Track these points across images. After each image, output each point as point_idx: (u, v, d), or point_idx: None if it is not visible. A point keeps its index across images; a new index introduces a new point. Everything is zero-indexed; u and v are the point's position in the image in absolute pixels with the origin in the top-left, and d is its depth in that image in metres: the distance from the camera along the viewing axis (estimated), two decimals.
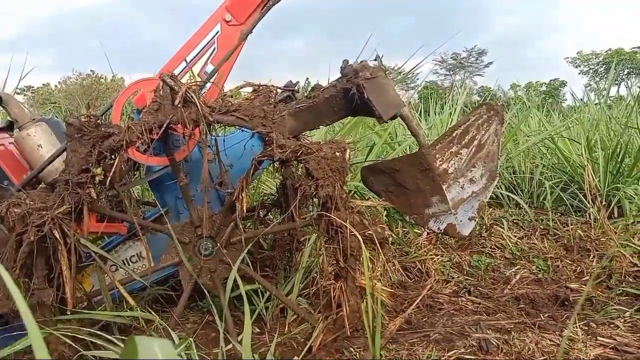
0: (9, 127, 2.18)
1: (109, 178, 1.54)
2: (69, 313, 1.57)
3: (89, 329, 1.58)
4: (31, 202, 1.41)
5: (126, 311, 1.77)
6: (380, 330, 1.35)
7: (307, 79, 2.16)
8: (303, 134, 1.89)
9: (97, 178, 1.58)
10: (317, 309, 2.23)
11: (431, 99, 4.91)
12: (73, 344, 1.49)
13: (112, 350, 1.44)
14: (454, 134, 1.86)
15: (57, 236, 1.44)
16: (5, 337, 1.68)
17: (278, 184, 2.47)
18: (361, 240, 1.40)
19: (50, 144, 1.95)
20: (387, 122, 1.69)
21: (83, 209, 1.52)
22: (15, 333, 1.52)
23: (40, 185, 2.04)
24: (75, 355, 1.52)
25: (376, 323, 1.33)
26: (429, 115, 4.90)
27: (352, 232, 1.41)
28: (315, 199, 2.22)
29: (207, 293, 2.43)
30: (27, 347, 1.78)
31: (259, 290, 2.22)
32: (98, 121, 1.44)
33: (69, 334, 1.50)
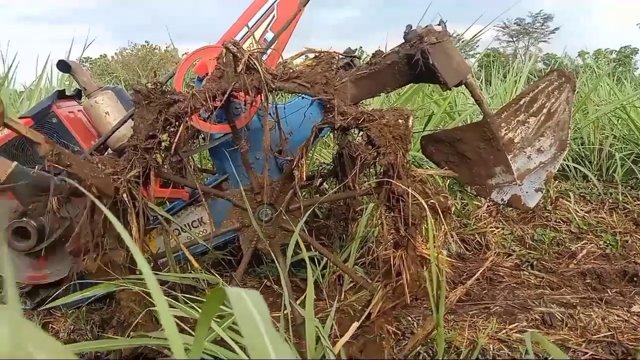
0: (77, 95, 2.27)
1: (174, 144, 1.57)
2: (138, 273, 1.64)
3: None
4: (103, 167, 1.47)
5: (190, 273, 1.83)
6: (443, 299, 1.33)
7: (360, 47, 2.12)
8: (361, 102, 1.86)
9: (162, 144, 1.62)
10: (374, 277, 2.24)
11: (493, 66, 4.71)
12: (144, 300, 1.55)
13: (177, 309, 1.50)
14: (521, 102, 1.78)
15: (127, 199, 1.50)
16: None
17: (334, 153, 2.46)
18: (427, 208, 1.37)
19: (117, 111, 2.01)
20: (450, 90, 1.63)
21: (150, 174, 1.56)
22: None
23: (108, 151, 2.12)
24: (144, 311, 1.60)
25: (440, 291, 1.31)
26: (490, 84, 4.72)
27: (415, 200, 1.39)
28: (372, 168, 2.21)
29: (264, 259, 2.50)
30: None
31: (315, 258, 2.25)
32: (163, 88, 1.46)
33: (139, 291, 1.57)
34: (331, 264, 2.25)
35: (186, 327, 1.36)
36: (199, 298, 1.50)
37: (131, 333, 1.56)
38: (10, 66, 4.45)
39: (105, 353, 1.65)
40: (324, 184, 2.53)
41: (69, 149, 1.97)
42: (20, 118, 2.03)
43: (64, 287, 2.00)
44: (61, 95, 2.10)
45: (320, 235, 2.48)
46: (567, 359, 0.76)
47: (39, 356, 0.31)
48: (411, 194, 1.41)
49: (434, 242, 1.49)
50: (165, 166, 1.86)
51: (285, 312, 1.86)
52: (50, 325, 2.06)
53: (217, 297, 0.57)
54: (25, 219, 1.93)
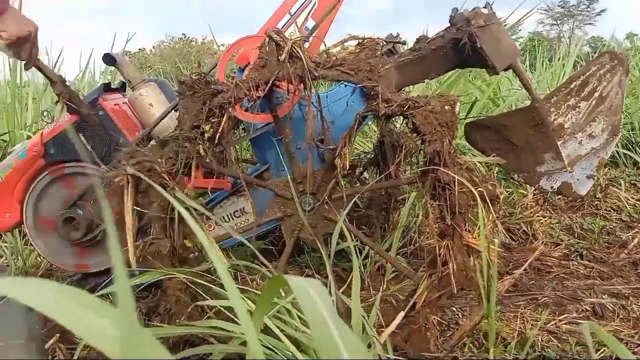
0: (122, 87, 2.32)
1: (217, 135, 1.58)
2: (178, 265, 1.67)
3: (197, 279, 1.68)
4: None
5: (232, 260, 1.85)
6: (495, 289, 1.30)
7: (398, 34, 2.07)
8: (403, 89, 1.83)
9: (205, 135, 1.63)
10: (417, 266, 2.21)
11: (538, 51, 4.55)
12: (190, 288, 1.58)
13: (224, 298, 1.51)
14: (571, 86, 1.71)
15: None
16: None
17: (375, 141, 2.43)
18: (478, 196, 1.33)
19: (160, 103, 2.05)
20: (498, 74, 1.58)
21: (192, 164, 1.58)
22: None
23: (151, 142, 2.16)
24: (190, 299, 1.63)
25: (492, 280, 1.28)
26: (534, 68, 4.57)
27: (463, 188, 1.35)
28: (415, 157, 2.17)
29: (305, 248, 2.50)
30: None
31: (357, 248, 2.23)
32: (208, 79, 1.47)
33: (185, 279, 1.59)
34: (372, 254, 2.24)
35: (231, 316, 1.38)
36: (242, 287, 1.51)
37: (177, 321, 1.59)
38: (56, 62, 4.59)
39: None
40: (364, 173, 2.51)
41: (116, 140, 2.03)
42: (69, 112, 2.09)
43: (112, 275, 2.06)
44: (107, 88, 2.14)
45: (361, 225, 2.46)
46: (625, 350, 0.72)
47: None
48: (458, 182, 1.38)
49: (484, 231, 1.46)
50: (209, 156, 1.88)
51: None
52: None
53: (275, 286, 0.56)
54: (74, 209, 1.99)
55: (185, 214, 0.30)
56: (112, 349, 0.31)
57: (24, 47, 1.49)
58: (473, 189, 1.31)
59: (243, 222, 2.16)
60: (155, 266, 1.60)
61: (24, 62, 1.60)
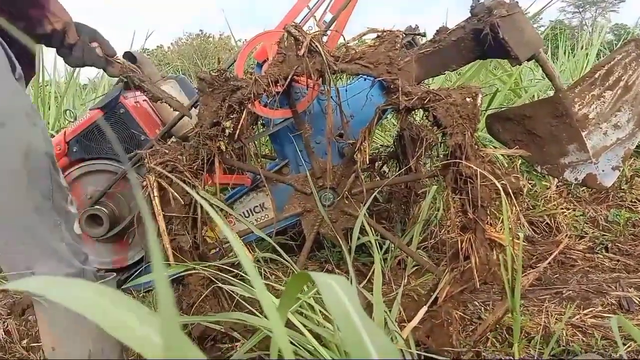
0: None
1: (237, 131, 1.59)
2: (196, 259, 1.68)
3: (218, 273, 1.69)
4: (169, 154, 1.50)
5: (256, 253, 1.86)
6: (519, 282, 1.28)
7: (417, 26, 2.04)
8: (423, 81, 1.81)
9: (225, 131, 1.64)
10: (438, 261, 2.20)
11: (560, 39, 4.45)
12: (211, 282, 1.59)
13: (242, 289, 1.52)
14: (596, 75, 1.67)
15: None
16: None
17: (395, 135, 2.42)
18: (501, 189, 1.32)
19: (180, 100, 2.05)
20: (520, 64, 1.55)
21: (214, 160, 1.58)
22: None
23: (171, 139, 2.18)
24: (211, 295, 1.64)
25: (516, 274, 1.26)
26: (556, 58, 4.48)
27: (485, 181, 1.34)
28: (435, 150, 2.15)
29: (325, 243, 2.50)
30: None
31: (377, 242, 2.22)
32: (227, 75, 1.47)
33: (206, 274, 1.60)
34: (393, 248, 2.23)
35: (254, 310, 1.38)
36: (266, 282, 1.52)
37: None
38: None
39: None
40: (384, 166, 2.50)
41: (136, 138, 2.05)
42: (91, 110, 2.12)
43: (136, 270, 2.09)
44: (127, 86, 2.16)
45: (381, 219, 2.45)
46: None
47: None
48: (481, 175, 1.36)
49: (508, 225, 1.44)
50: (229, 153, 1.89)
51: None
52: None
53: (300, 281, 0.56)
54: (97, 207, 2.02)
55: (212, 212, 0.30)
56: (154, 354, 0.31)
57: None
58: (496, 182, 1.29)
59: (263, 218, 2.17)
60: (177, 261, 1.62)
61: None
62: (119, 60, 1.57)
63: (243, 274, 1.46)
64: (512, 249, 1.28)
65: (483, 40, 1.43)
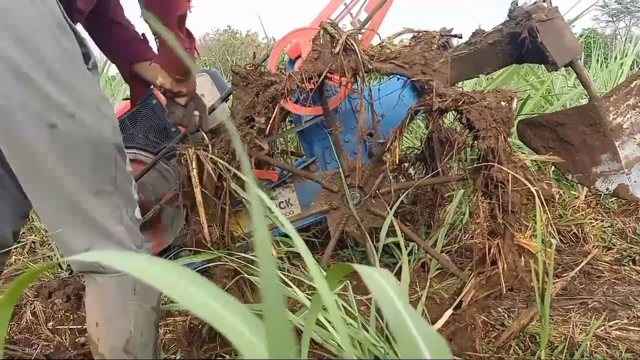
0: None
1: (269, 126, 1.60)
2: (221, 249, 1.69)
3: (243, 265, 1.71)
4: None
5: (282, 248, 1.87)
6: (550, 290, 1.27)
7: (452, 28, 2.01)
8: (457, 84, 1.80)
9: (257, 126, 1.65)
10: (463, 265, 2.18)
11: (593, 48, 4.37)
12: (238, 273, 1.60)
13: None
14: (632, 85, 1.64)
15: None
16: None
17: (424, 137, 2.41)
18: (536, 195, 1.30)
19: (212, 93, 2.08)
20: (557, 70, 1.53)
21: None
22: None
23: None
24: (235, 287, 1.66)
25: (547, 281, 1.25)
26: (589, 67, 4.40)
27: (516, 187, 1.33)
28: (464, 153, 2.14)
29: (348, 242, 2.50)
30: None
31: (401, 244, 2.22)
32: (262, 70, 1.48)
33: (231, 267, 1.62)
34: (416, 250, 2.22)
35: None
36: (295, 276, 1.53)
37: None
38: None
39: (200, 326, 1.72)
40: (411, 168, 2.49)
41: (167, 129, 2.08)
42: (123, 100, 2.15)
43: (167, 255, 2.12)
44: None
45: (405, 221, 2.44)
46: None
47: None
48: (512, 180, 1.35)
49: (531, 232, 1.42)
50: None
51: (369, 296, 1.86)
52: None
53: (341, 271, 0.56)
54: None
55: (255, 202, 0.30)
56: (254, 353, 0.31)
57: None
58: (532, 187, 1.27)
59: (288, 214, 2.18)
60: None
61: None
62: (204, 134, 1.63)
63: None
64: (543, 256, 1.26)
65: (520, 45, 1.42)
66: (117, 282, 1.14)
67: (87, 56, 1.10)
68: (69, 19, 1.04)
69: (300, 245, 0.38)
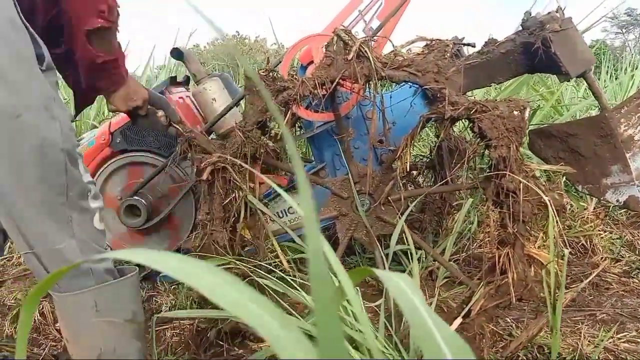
0: (186, 82, 2.39)
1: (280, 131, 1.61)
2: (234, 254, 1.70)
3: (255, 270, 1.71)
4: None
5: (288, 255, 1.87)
6: (562, 301, 1.27)
7: (463, 37, 2.02)
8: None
9: (268, 131, 1.66)
10: (471, 275, 2.17)
11: (603, 60, 4.36)
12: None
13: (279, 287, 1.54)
14: None
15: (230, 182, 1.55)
16: None
17: (433, 145, 2.41)
18: (549, 204, 1.30)
19: (223, 98, 2.09)
20: (569, 81, 1.54)
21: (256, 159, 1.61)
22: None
23: (212, 136, 2.21)
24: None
25: (559, 292, 1.25)
26: (598, 78, 4.40)
27: (527, 196, 1.32)
28: (473, 162, 2.13)
29: (356, 249, 2.50)
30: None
31: (408, 252, 2.21)
32: (274, 75, 1.49)
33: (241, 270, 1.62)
34: (424, 259, 2.21)
35: (292, 311, 1.39)
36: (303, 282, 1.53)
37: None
38: None
39: (207, 329, 1.72)
40: (419, 176, 2.49)
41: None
42: None
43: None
44: (172, 81, 2.21)
45: (413, 229, 2.44)
46: None
47: None
48: (524, 189, 1.35)
49: (542, 242, 1.42)
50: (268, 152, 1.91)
51: (378, 303, 1.86)
52: (153, 298, 2.20)
53: (360, 275, 0.56)
54: (136, 197, 2.07)
55: (266, 209, 0.30)
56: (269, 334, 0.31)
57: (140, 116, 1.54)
58: (545, 197, 1.27)
59: (297, 219, 2.18)
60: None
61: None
62: (177, 126, 1.63)
63: (280, 272, 1.47)
64: (555, 266, 1.26)
65: (533, 55, 1.42)
66: (72, 300, 1.08)
67: (41, 57, 1.03)
68: (24, 19, 0.98)
69: (322, 243, 0.38)
